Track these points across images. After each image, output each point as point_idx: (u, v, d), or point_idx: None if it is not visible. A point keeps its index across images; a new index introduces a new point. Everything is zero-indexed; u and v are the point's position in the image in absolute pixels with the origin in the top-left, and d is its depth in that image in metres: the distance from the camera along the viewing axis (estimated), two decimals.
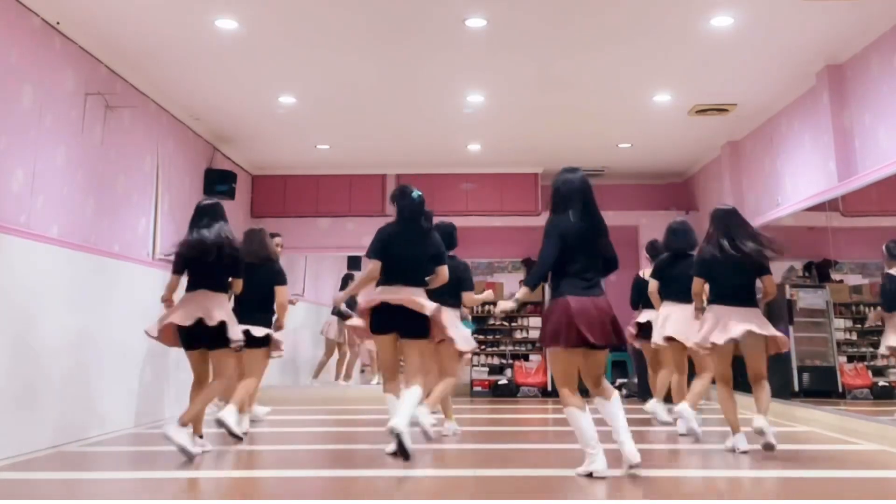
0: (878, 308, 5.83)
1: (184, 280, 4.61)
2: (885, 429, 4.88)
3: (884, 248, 5.62)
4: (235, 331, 4.49)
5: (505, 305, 3.88)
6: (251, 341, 5.02)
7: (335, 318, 9.36)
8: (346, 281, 9.58)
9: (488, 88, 6.77)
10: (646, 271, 6.45)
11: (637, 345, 6.52)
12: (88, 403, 5.26)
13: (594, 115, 7.47)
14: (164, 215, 6.78)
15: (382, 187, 9.43)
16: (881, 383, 5.90)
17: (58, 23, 5.07)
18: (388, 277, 4.41)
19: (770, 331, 4.53)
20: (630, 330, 6.14)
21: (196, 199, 7.52)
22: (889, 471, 4.11)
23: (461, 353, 5.20)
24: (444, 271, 4.59)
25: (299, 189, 9.48)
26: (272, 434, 5.49)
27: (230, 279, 4.65)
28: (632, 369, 9.02)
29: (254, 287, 5.11)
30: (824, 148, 6.16)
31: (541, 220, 9.36)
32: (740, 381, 4.72)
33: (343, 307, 9.25)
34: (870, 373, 6.46)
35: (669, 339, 5.52)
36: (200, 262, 4.46)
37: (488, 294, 5.49)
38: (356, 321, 4.62)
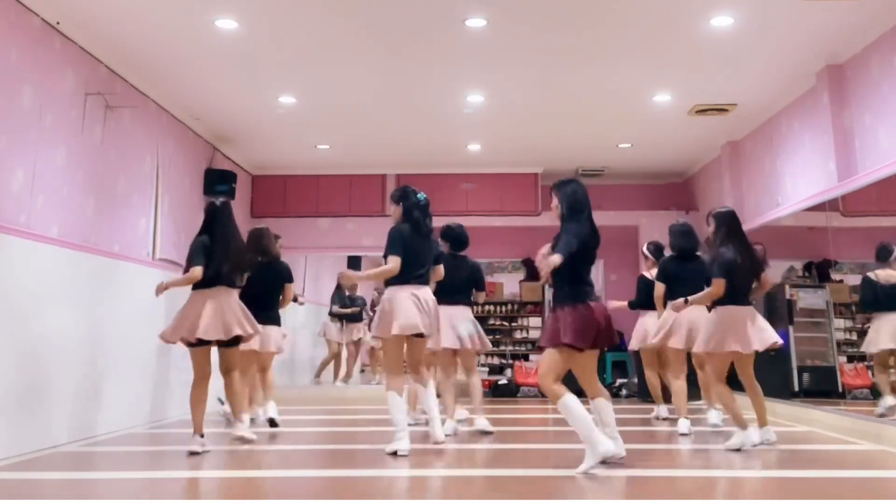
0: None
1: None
2: (885, 429, 4.88)
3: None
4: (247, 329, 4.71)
5: (555, 260, 3.83)
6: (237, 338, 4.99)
7: (332, 320, 9.40)
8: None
9: (488, 88, 6.77)
10: (652, 272, 6.44)
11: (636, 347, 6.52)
12: (89, 403, 5.26)
13: (594, 115, 7.47)
14: (164, 215, 6.78)
15: (382, 187, 9.43)
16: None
17: (58, 23, 5.07)
18: (406, 276, 4.53)
19: (773, 335, 4.71)
20: (647, 333, 6.04)
21: (196, 199, 7.58)
22: (889, 471, 4.11)
23: (477, 352, 5.62)
24: (440, 270, 4.96)
25: (299, 189, 9.48)
26: (272, 434, 5.49)
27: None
28: (632, 369, 9.02)
29: (261, 285, 5.41)
30: (824, 148, 6.16)
31: (541, 220, 9.42)
32: (734, 379, 4.81)
33: (335, 307, 9.32)
34: (870, 373, 6.45)
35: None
36: (223, 263, 4.64)
37: None
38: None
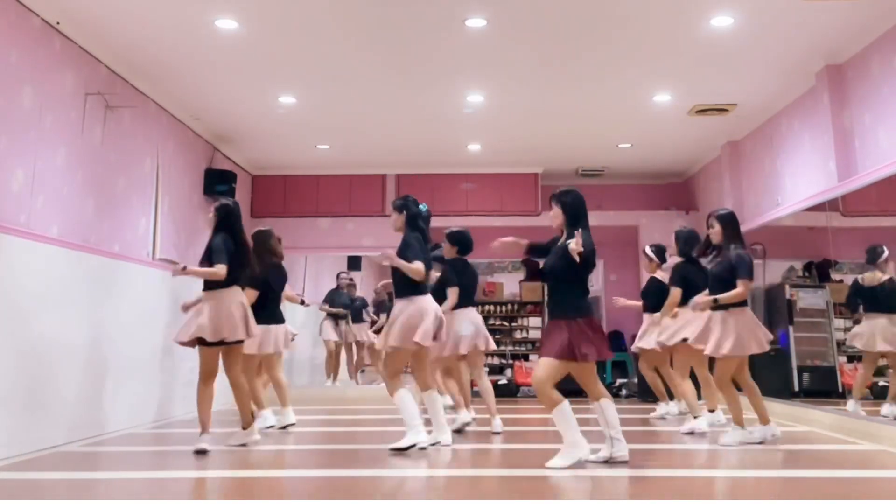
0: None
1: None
2: (884, 429, 4.88)
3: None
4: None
5: (578, 246, 3.86)
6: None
7: (327, 319, 9.42)
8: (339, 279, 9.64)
9: (488, 88, 6.77)
10: (658, 274, 6.45)
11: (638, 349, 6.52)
12: (90, 403, 5.26)
13: (594, 115, 7.47)
14: (164, 215, 6.78)
15: (382, 187, 9.43)
16: (881, 383, 5.90)
17: (58, 23, 5.07)
18: (423, 286, 4.68)
19: (768, 333, 4.87)
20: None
21: (196, 199, 7.59)
22: (889, 471, 4.11)
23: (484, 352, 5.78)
24: (431, 276, 5.15)
25: (299, 189, 9.48)
26: (273, 434, 5.49)
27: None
28: (632, 369, 9.02)
29: (274, 285, 5.58)
30: (824, 148, 6.16)
31: (541, 220, 9.41)
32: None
33: (325, 305, 9.38)
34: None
35: (683, 342, 5.54)
36: (241, 264, 4.77)
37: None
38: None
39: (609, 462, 3.95)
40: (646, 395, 7.76)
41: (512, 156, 8.99)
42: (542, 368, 3.92)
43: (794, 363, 6.87)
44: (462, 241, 5.79)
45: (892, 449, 4.61)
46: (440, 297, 5.29)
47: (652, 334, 6.16)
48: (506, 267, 10.57)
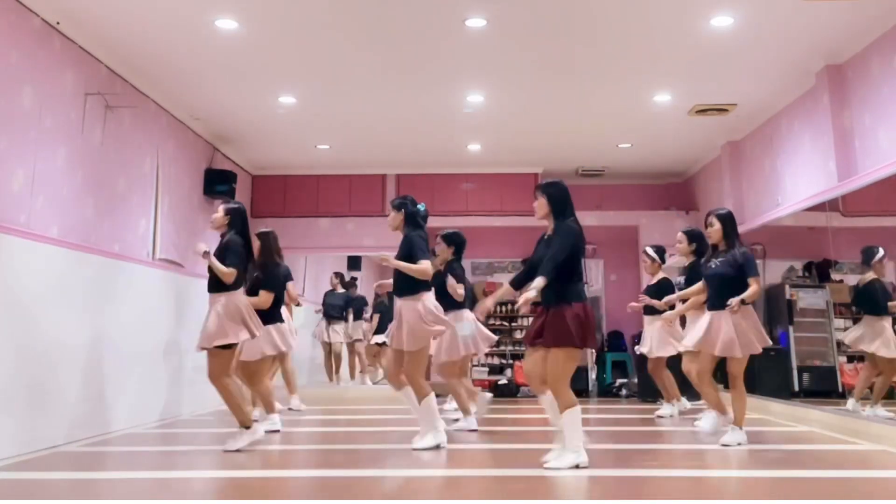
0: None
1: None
2: (885, 429, 4.88)
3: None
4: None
5: (530, 296, 3.87)
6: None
7: (323, 320, 9.45)
8: (341, 278, 9.66)
9: (488, 88, 6.77)
10: (659, 275, 6.46)
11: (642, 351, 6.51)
12: (90, 403, 5.26)
13: (594, 115, 7.47)
14: (164, 215, 6.78)
15: (382, 187, 9.43)
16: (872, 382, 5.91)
17: (58, 23, 5.07)
18: (428, 284, 4.71)
19: None
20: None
21: (196, 199, 7.59)
22: (889, 471, 4.11)
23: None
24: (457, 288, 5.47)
25: (299, 189, 9.48)
26: (272, 434, 5.49)
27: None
28: (632, 369, 9.02)
29: (280, 286, 5.68)
30: (824, 148, 6.16)
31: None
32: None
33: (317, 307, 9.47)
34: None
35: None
36: (246, 268, 4.83)
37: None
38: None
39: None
40: (646, 394, 7.76)
41: (512, 156, 8.99)
42: (556, 366, 3.83)
43: (794, 363, 6.87)
44: (460, 241, 5.82)
45: (892, 449, 4.61)
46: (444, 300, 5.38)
47: (668, 342, 6.16)
48: (506, 267, 10.56)
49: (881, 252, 5.73)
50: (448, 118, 7.53)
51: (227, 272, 4.58)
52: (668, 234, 8.72)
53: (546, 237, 4.13)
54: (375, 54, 5.95)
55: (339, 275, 9.72)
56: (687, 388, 6.28)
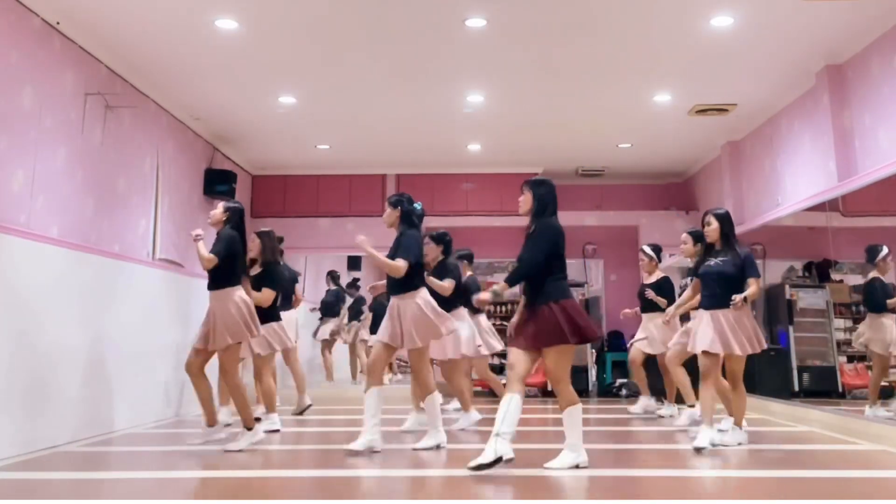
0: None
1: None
2: (885, 429, 4.88)
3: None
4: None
5: (484, 296, 4.05)
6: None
7: (319, 320, 9.47)
8: (337, 278, 9.68)
9: (488, 88, 6.77)
10: (656, 274, 6.47)
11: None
12: (90, 403, 5.26)
13: (594, 115, 7.47)
14: (164, 215, 6.78)
15: (382, 187, 9.43)
16: (881, 383, 5.91)
17: (58, 23, 5.07)
18: (421, 281, 4.71)
19: None
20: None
21: (196, 199, 7.59)
22: (889, 471, 4.11)
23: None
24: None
25: (299, 189, 9.48)
26: (272, 434, 5.48)
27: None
28: (631, 370, 9.00)
29: (282, 285, 5.74)
30: (824, 148, 6.16)
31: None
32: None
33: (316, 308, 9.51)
34: (870, 372, 6.46)
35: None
36: (243, 267, 4.88)
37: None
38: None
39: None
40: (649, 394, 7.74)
41: (512, 156, 8.99)
42: (556, 366, 3.82)
43: (794, 363, 6.87)
44: (447, 241, 5.78)
45: (892, 449, 4.61)
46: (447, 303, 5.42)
47: (669, 339, 6.17)
48: (506, 267, 10.54)
49: (885, 250, 5.73)
50: (448, 118, 7.53)
51: (207, 258, 4.58)
52: (668, 234, 8.73)
53: (527, 234, 4.13)
54: (375, 54, 5.95)
55: (330, 273, 9.75)
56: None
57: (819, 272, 7.03)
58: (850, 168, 5.85)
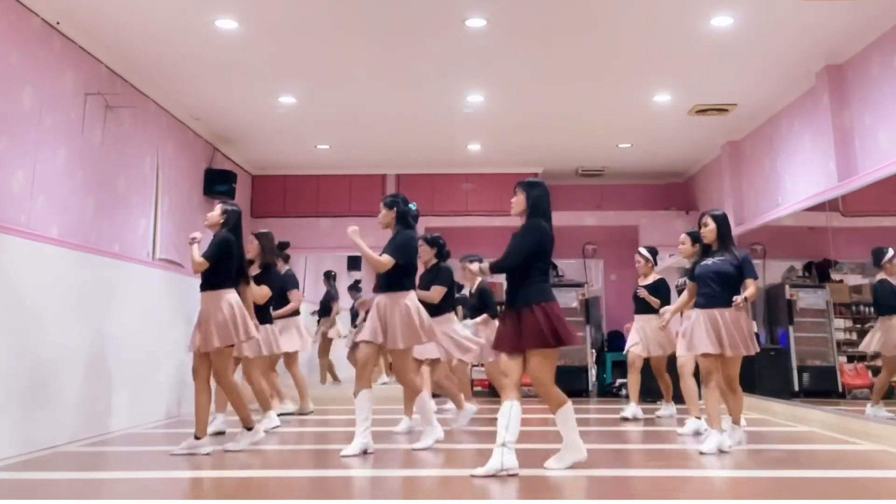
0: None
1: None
2: (885, 429, 4.89)
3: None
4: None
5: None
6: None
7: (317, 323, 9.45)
8: (332, 277, 9.67)
9: (488, 88, 6.77)
10: (651, 276, 6.45)
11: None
12: (90, 403, 5.26)
13: (594, 115, 7.47)
14: (164, 215, 6.78)
15: (382, 187, 9.43)
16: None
17: (58, 23, 5.07)
18: (411, 282, 4.70)
19: None
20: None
21: (196, 199, 7.59)
22: (889, 471, 4.11)
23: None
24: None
25: (299, 189, 9.48)
26: (272, 434, 5.49)
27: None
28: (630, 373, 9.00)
29: (272, 286, 5.75)
30: (824, 148, 6.16)
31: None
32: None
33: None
34: (870, 373, 6.46)
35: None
36: (238, 270, 4.85)
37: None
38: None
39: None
40: (646, 395, 7.74)
41: (512, 156, 8.99)
42: (541, 369, 3.82)
43: (794, 363, 6.87)
44: (441, 244, 5.77)
45: (892, 449, 4.61)
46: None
47: (665, 342, 6.16)
48: None
49: (891, 252, 5.72)
50: (448, 118, 7.53)
51: (198, 262, 4.54)
52: (668, 234, 8.74)
53: (514, 234, 4.12)
54: (375, 54, 5.95)
55: (325, 273, 9.76)
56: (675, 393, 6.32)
57: (819, 272, 7.03)
58: (850, 168, 5.85)
